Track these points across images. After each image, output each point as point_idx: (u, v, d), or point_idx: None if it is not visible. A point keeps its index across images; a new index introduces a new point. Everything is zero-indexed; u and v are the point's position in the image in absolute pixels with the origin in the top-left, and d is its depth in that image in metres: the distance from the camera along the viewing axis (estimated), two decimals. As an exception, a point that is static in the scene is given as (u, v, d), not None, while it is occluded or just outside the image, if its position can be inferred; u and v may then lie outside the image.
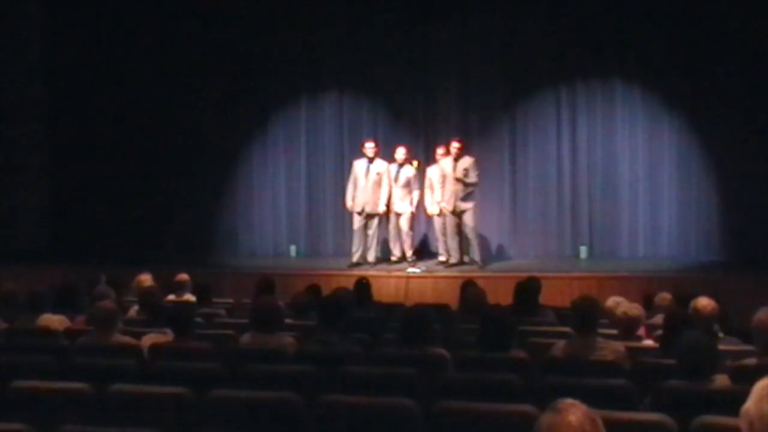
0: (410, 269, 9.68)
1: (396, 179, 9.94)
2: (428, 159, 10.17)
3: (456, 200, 9.65)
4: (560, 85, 10.85)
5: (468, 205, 9.67)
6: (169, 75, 11.41)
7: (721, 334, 5.23)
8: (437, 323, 5.28)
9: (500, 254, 10.79)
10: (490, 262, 10.11)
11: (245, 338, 5.01)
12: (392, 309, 6.95)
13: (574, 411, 2.13)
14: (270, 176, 11.57)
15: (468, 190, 9.66)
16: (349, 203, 10.03)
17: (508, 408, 3.35)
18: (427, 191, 9.93)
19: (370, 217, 9.97)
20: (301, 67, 11.33)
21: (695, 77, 10.29)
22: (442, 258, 9.96)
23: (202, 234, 11.44)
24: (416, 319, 4.71)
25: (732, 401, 2.34)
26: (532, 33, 10.75)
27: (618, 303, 5.66)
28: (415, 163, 10.10)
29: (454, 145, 9.71)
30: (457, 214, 9.69)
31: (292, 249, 11.41)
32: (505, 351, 4.50)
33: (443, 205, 9.72)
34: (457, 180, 9.57)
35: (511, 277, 7.92)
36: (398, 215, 10.04)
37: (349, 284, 7.11)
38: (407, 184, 9.95)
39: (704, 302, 5.14)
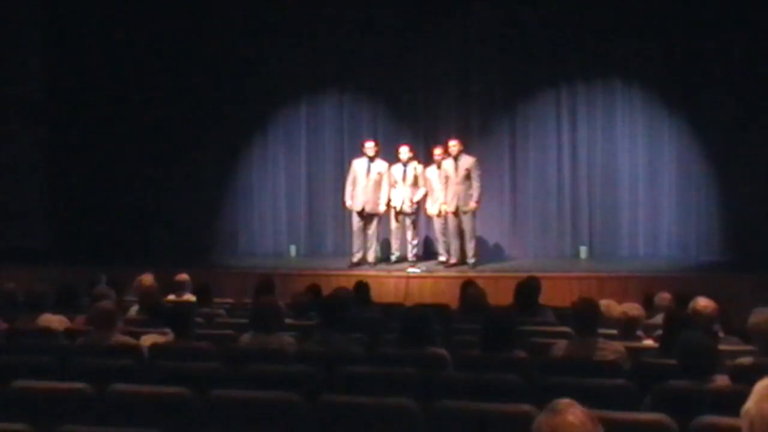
0: (410, 269, 9.68)
1: (404, 179, 9.93)
2: (428, 159, 10.16)
3: (458, 201, 9.64)
4: (560, 85, 10.85)
5: (469, 207, 9.66)
6: (168, 75, 11.42)
7: (721, 334, 5.23)
8: (437, 323, 5.28)
9: (500, 254, 10.78)
10: (489, 262, 10.10)
11: (245, 338, 5.01)
12: (392, 309, 6.95)
13: (573, 411, 2.13)
14: (270, 176, 11.57)
15: (470, 192, 9.65)
16: (348, 203, 10.02)
17: (508, 408, 3.35)
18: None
19: (370, 216, 9.96)
20: (301, 67, 11.33)
21: (695, 77, 10.28)
22: (442, 258, 9.95)
23: (202, 234, 11.44)
24: (416, 319, 4.71)
25: (732, 401, 2.35)
26: (532, 33, 10.76)
27: (608, 305, 5.67)
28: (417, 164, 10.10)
29: (452, 144, 9.72)
30: (458, 215, 9.69)
31: (292, 249, 11.41)
32: (507, 353, 4.50)
33: (444, 207, 9.71)
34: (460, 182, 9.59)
35: (511, 277, 7.93)
36: (407, 215, 10.02)
37: (349, 284, 7.11)
38: (415, 183, 9.95)
39: (704, 303, 5.14)
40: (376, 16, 11.11)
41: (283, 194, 11.53)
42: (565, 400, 2.16)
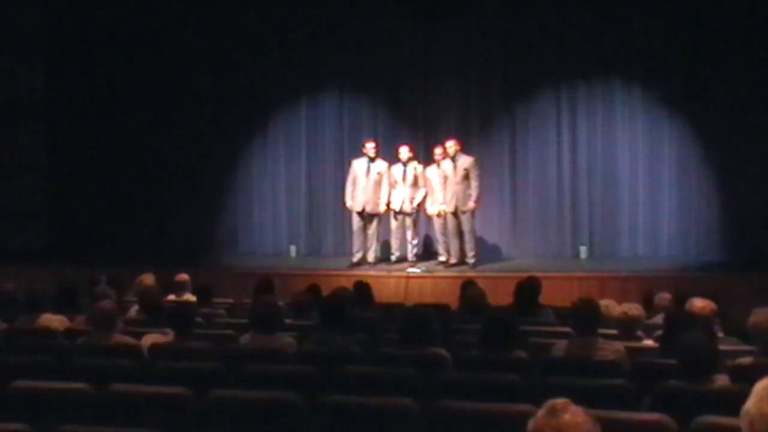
0: (410, 269, 9.68)
1: (404, 179, 9.94)
2: (428, 159, 10.17)
3: (457, 201, 9.65)
4: (560, 85, 10.85)
5: (468, 207, 9.66)
6: (169, 75, 11.42)
7: (720, 334, 5.23)
8: (437, 323, 5.28)
9: (500, 254, 10.78)
10: (489, 262, 10.10)
11: (245, 338, 5.01)
12: (392, 309, 6.95)
13: (572, 410, 2.13)
14: (270, 176, 11.56)
15: (469, 192, 9.65)
16: (348, 203, 10.03)
17: (508, 408, 3.35)
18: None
19: (370, 216, 9.97)
20: (301, 67, 11.33)
21: (695, 77, 10.29)
22: (442, 258, 9.95)
23: (202, 234, 11.44)
24: (416, 319, 4.72)
25: (732, 401, 2.34)
26: (532, 33, 10.75)
27: (608, 305, 5.66)
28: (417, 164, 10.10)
29: (449, 144, 9.73)
30: (457, 215, 9.69)
31: (292, 249, 11.41)
32: (507, 353, 4.49)
33: (443, 207, 9.72)
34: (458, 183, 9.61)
35: (511, 277, 7.91)
36: (407, 215, 10.02)
37: (349, 284, 7.11)
38: (415, 183, 9.95)
39: (700, 303, 5.15)
40: (376, 16, 11.11)
41: (283, 194, 11.53)
42: (561, 400, 2.15)
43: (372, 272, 9.52)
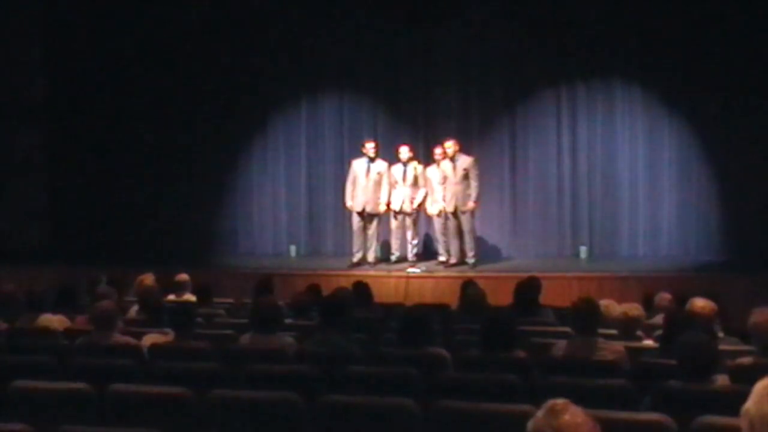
0: (410, 269, 9.68)
1: (404, 179, 9.94)
2: (428, 159, 10.17)
3: (456, 201, 9.65)
4: (560, 85, 10.85)
5: (468, 207, 9.66)
6: (169, 75, 11.42)
7: (721, 334, 5.23)
8: (437, 323, 5.28)
9: (500, 254, 10.78)
10: (490, 262, 10.11)
11: (245, 338, 5.01)
12: (392, 309, 6.95)
13: (572, 410, 2.13)
14: (270, 176, 11.57)
15: (468, 192, 9.66)
16: (348, 203, 10.03)
17: (508, 408, 3.35)
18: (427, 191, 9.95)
19: (370, 216, 9.97)
20: (301, 67, 11.33)
21: (695, 77, 10.29)
22: (442, 258, 9.95)
23: (202, 234, 11.44)
24: (416, 319, 4.72)
25: (732, 401, 2.34)
26: (532, 33, 10.75)
27: (608, 305, 5.67)
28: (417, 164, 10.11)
29: (447, 145, 9.73)
30: (457, 215, 9.70)
31: (292, 249, 11.41)
32: (507, 353, 4.49)
33: (443, 206, 9.72)
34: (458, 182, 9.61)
35: (511, 277, 7.92)
36: (407, 215, 10.02)
37: (349, 284, 7.11)
38: (415, 183, 9.95)
39: (701, 303, 5.14)
40: (375, 16, 11.11)
41: (283, 194, 11.53)
42: (561, 400, 2.15)
43: (372, 272, 9.52)
